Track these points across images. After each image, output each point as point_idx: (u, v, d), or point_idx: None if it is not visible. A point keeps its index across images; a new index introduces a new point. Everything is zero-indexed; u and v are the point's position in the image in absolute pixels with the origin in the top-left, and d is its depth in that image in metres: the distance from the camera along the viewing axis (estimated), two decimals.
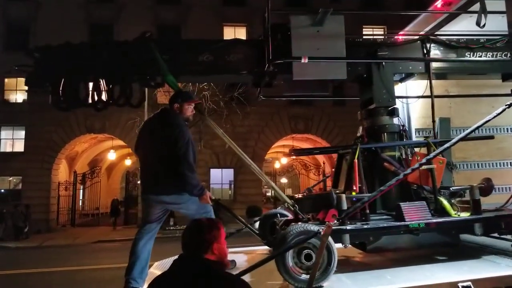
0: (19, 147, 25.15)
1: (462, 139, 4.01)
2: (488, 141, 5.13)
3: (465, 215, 3.96)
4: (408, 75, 4.65)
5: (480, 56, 4.46)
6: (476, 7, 4.18)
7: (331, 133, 27.08)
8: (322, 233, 3.22)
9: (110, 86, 4.00)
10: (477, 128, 3.92)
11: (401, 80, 4.76)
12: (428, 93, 4.66)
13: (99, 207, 29.30)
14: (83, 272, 11.81)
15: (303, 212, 4.02)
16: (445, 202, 4.00)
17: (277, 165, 32.45)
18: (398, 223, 3.76)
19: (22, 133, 25.12)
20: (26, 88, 24.93)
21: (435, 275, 3.49)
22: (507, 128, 5.49)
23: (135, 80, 4.10)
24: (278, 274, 3.92)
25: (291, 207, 4.04)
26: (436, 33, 4.52)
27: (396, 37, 4.83)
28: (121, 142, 26.62)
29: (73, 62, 3.99)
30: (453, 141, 3.94)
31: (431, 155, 3.88)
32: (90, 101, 4.02)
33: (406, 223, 3.71)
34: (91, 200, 29.29)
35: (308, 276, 3.34)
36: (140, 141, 4.29)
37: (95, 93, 3.98)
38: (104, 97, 3.97)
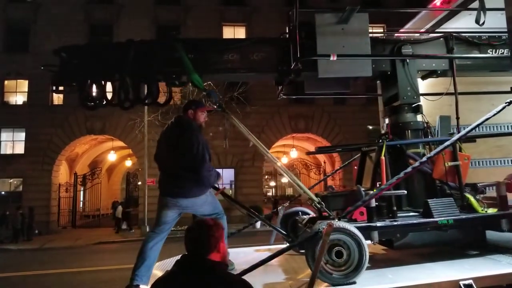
0: (20, 149, 25.04)
1: (462, 137, 4.04)
2: (487, 139, 5.15)
3: (492, 211, 3.98)
4: (431, 72, 4.67)
5: (502, 53, 4.50)
6: (476, 4, 4.22)
7: (331, 132, 27.08)
8: (323, 232, 3.24)
9: (137, 85, 4.00)
10: (477, 126, 3.95)
11: (423, 77, 4.76)
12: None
13: (99, 208, 29.23)
14: (84, 274, 11.81)
15: (329, 209, 4.03)
16: (472, 199, 4.02)
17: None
18: (427, 220, 3.78)
19: (22, 135, 25.01)
20: (26, 90, 25.11)
21: (437, 274, 3.51)
22: (507, 126, 5.52)
23: (161, 79, 4.10)
24: (278, 273, 3.97)
25: (317, 204, 4.04)
26: (459, 30, 4.54)
27: (396, 34, 4.84)
28: (121, 143, 26.58)
29: (100, 61, 3.98)
30: (453, 139, 3.95)
31: (435, 151, 3.89)
32: (116, 100, 4.01)
33: (435, 219, 3.73)
34: (92, 202, 29.22)
35: (340, 273, 3.36)
36: (158, 149, 4.39)
37: (121, 92, 3.97)
38: (131, 96, 3.96)
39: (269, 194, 38.61)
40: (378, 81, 6.01)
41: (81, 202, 29.03)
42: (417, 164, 3.76)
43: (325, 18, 4.13)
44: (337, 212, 4.15)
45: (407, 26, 5.50)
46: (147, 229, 17.41)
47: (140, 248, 4.02)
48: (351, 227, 3.42)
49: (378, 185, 4.17)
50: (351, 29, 4.11)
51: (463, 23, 4.73)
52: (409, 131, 4.47)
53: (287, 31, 4.29)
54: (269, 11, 27.10)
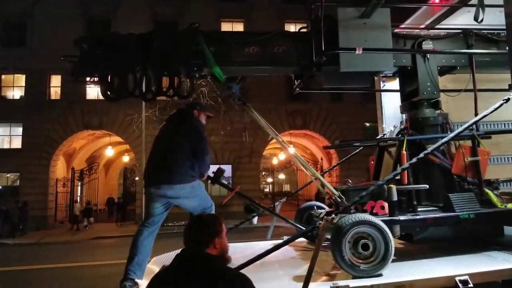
0: (17, 143, 24.90)
1: (460, 133, 4.02)
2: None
3: (511, 206, 4.01)
4: (450, 68, 4.68)
5: None
6: (475, 1, 4.21)
7: (329, 129, 27.15)
8: (320, 227, 3.27)
9: (159, 77, 3.97)
10: (474, 123, 3.97)
11: (441, 73, 4.77)
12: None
13: (97, 203, 29.09)
14: (81, 269, 11.82)
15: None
16: (491, 194, 4.05)
17: (275, 161, 32.48)
18: (449, 214, 3.80)
19: (19, 130, 24.85)
20: (23, 84, 24.86)
21: (433, 270, 3.53)
22: (504, 124, 5.54)
23: (183, 71, 4.07)
24: (277, 267, 3.99)
25: (337, 198, 4.05)
26: (478, 26, 4.55)
27: (396, 30, 4.85)
28: (118, 139, 26.48)
29: (122, 52, 3.94)
30: (451, 135, 3.97)
31: (434, 146, 3.92)
32: (138, 92, 3.98)
33: (457, 213, 3.76)
34: (89, 197, 28.94)
35: (367, 266, 3.37)
36: (156, 139, 4.36)
37: (143, 84, 3.95)
38: (153, 88, 3.94)
39: (266, 190, 38.70)
40: (375, 78, 6.02)
41: (78, 197, 28.85)
42: (414, 160, 3.75)
43: (347, 12, 4.13)
44: (356, 206, 4.16)
45: (407, 22, 5.51)
46: None
47: (131, 243, 3.97)
48: (376, 220, 3.44)
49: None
50: (373, 24, 4.11)
51: (462, 20, 4.74)
52: (428, 126, 4.48)
53: (310, 24, 4.28)
54: (266, 7, 27.09)
